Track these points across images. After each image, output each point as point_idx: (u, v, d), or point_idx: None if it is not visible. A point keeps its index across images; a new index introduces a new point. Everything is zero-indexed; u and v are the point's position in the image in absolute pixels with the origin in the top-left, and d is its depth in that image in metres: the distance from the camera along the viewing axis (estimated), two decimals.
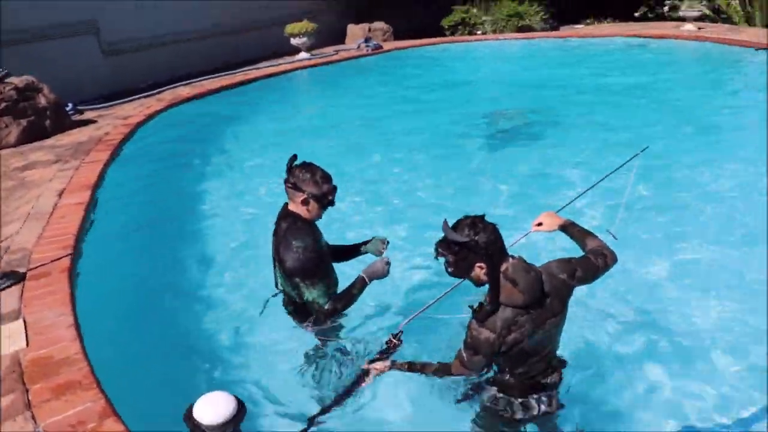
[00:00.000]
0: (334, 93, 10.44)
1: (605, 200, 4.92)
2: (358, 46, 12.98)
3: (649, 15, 15.02)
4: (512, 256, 2.18)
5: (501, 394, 2.47)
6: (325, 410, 2.62)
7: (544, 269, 2.25)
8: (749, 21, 12.88)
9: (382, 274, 2.85)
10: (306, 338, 3.15)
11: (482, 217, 2.14)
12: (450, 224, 2.14)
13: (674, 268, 4.30)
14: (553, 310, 2.23)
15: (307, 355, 3.19)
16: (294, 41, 12.21)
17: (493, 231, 2.11)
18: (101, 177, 6.10)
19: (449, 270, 2.18)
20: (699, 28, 12.33)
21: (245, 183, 6.48)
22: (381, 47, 13.06)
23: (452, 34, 14.66)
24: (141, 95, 9.60)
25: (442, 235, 2.13)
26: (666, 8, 14.46)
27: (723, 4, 13.27)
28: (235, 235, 5.27)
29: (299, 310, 3.00)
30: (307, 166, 2.79)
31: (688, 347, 3.50)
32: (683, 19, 12.80)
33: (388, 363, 2.50)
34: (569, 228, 2.60)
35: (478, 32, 14.49)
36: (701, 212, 5.10)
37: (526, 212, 4.70)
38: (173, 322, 3.97)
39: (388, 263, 2.85)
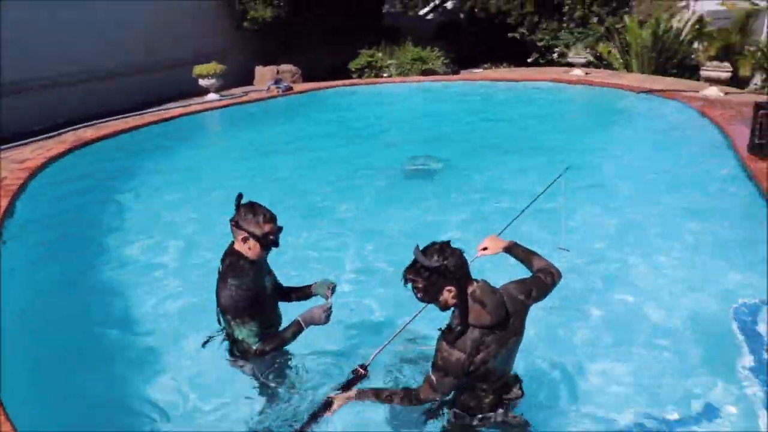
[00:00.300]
0: (246, 133, 10.35)
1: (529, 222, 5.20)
2: (268, 88, 12.99)
3: (541, 61, 16.27)
4: (476, 280, 2.27)
5: (461, 411, 2.53)
6: None
7: (504, 291, 2.36)
8: (627, 67, 14.34)
9: (319, 321, 2.83)
10: (256, 375, 3.05)
11: (449, 242, 2.22)
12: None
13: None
14: (515, 330, 2.34)
15: (261, 393, 3.08)
16: (203, 82, 12.02)
17: (459, 256, 2.20)
18: (0, 225, 5.65)
19: (418, 296, 2.23)
20: (586, 73, 13.50)
21: (159, 222, 6.29)
22: (291, 88, 13.13)
23: (359, 76, 15.04)
24: (40, 137, 8.97)
25: (411, 260, 2.18)
26: (555, 55, 15.77)
27: (604, 53, 14.66)
28: (153, 277, 5.08)
29: (239, 348, 2.94)
30: (251, 206, 2.83)
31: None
32: (572, 65, 13.99)
33: (353, 393, 2.48)
34: (513, 249, 2.75)
35: (385, 75, 14.99)
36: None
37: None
38: (101, 371, 3.70)
39: (327, 310, 2.83)
